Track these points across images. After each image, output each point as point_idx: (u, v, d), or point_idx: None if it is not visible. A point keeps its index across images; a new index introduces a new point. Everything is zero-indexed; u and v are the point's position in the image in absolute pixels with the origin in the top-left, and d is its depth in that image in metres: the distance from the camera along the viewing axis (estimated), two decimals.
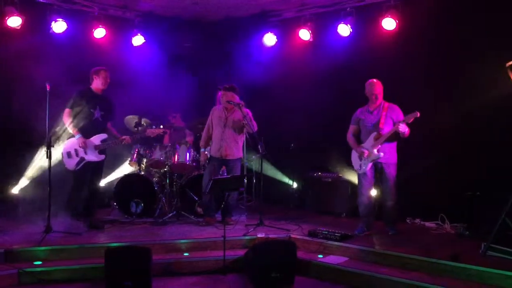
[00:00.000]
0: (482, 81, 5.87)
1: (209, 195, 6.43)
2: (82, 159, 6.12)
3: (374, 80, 5.90)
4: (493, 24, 5.93)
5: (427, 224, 6.49)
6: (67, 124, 6.11)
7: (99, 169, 6.41)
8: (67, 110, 6.12)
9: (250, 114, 6.45)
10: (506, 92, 5.02)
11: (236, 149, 6.53)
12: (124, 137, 6.38)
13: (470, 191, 5.93)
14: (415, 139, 5.96)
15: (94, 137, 6.19)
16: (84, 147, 6.08)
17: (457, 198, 6.10)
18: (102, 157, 6.27)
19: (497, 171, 5.78)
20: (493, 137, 5.93)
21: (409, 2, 6.60)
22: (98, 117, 6.24)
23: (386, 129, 5.76)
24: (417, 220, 6.65)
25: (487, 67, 5.68)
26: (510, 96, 5.04)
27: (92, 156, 6.17)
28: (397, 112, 5.82)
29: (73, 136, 6.16)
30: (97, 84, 6.25)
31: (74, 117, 6.10)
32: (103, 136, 6.26)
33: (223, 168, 6.67)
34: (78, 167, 6.13)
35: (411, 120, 5.55)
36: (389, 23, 6.70)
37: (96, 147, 6.18)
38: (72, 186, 6.22)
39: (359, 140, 6.05)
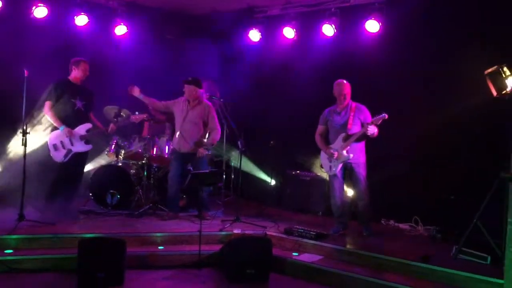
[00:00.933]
0: (460, 86, 5.97)
1: (174, 190, 6.41)
2: (70, 150, 6.04)
3: (343, 80, 5.92)
4: (479, 28, 6.02)
5: (401, 225, 6.58)
6: (50, 117, 6.01)
7: (84, 159, 6.37)
8: (47, 103, 6.00)
9: (216, 119, 6.50)
10: (483, 98, 5.10)
11: (188, 143, 6.42)
12: (110, 125, 6.33)
13: (444, 194, 6.03)
14: (390, 141, 6.04)
15: (78, 127, 6.10)
16: (71, 136, 6.00)
17: (431, 201, 6.21)
18: (89, 147, 6.22)
19: (471, 175, 5.88)
20: (469, 141, 6.02)
21: (393, 4, 6.65)
22: (80, 107, 6.15)
23: (354, 130, 5.79)
24: (391, 222, 6.73)
25: (467, 73, 5.77)
26: (487, 102, 5.12)
27: (79, 147, 6.10)
28: (365, 113, 5.85)
29: (56, 128, 6.04)
30: (75, 75, 6.15)
31: (56, 109, 5.99)
32: (88, 125, 6.19)
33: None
34: (66, 159, 6.05)
35: (380, 122, 5.60)
36: (372, 25, 6.75)
37: (82, 137, 6.10)
38: (56, 177, 6.08)
39: (327, 141, 6.07)
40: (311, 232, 5.74)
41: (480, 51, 5.74)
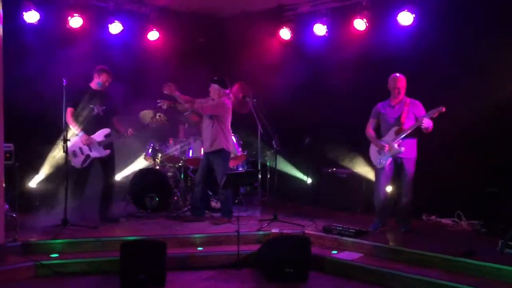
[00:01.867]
0: (502, 73, 5.77)
1: (199, 194, 6.40)
2: (88, 156, 6.10)
3: (398, 74, 5.84)
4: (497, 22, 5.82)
5: (443, 220, 6.43)
6: (70, 123, 6.08)
7: (109, 164, 6.34)
8: (69, 110, 6.07)
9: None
10: None
11: (208, 141, 6.33)
12: (128, 130, 6.29)
13: (488, 187, 5.85)
14: (431, 135, 5.89)
15: (97, 133, 6.15)
16: (88, 143, 6.07)
17: (474, 194, 6.04)
18: (107, 152, 6.19)
19: None
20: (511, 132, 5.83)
21: None
22: (99, 112, 6.18)
23: (408, 124, 5.70)
24: (433, 217, 6.58)
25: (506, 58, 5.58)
26: None
27: (97, 152, 6.13)
28: (419, 108, 5.75)
29: (77, 134, 6.12)
30: (96, 83, 6.21)
31: (76, 115, 6.07)
32: (106, 131, 6.22)
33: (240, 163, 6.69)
34: (85, 165, 6.12)
35: (436, 115, 5.47)
36: (405, 17, 6.60)
37: (100, 143, 6.14)
38: (73, 182, 6.10)
39: (378, 134, 5.99)
40: (350, 230, 5.68)
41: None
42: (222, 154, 6.31)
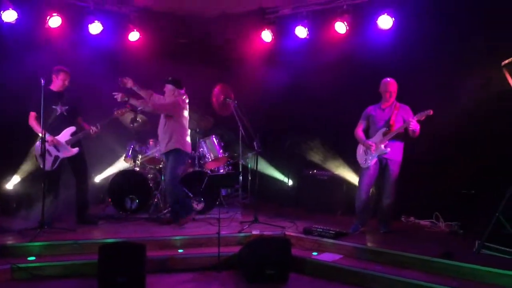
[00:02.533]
0: (479, 78, 5.88)
1: (180, 198, 6.31)
2: (57, 157, 6.01)
3: (389, 78, 5.92)
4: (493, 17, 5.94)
5: (422, 222, 6.51)
6: (33, 127, 5.99)
7: (80, 162, 6.24)
8: (31, 114, 5.99)
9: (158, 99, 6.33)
10: (501, 90, 5.01)
11: (163, 141, 6.28)
12: (92, 126, 6.17)
13: (465, 189, 5.95)
14: (410, 137, 5.96)
15: (62, 132, 6.05)
16: (55, 144, 5.98)
17: (451, 196, 6.12)
18: (75, 150, 6.10)
19: (491, 169, 5.79)
20: (488, 135, 5.94)
21: (403, 0, 6.58)
22: (63, 111, 6.08)
23: (397, 126, 5.79)
24: (412, 218, 6.66)
25: (485, 64, 5.69)
26: (506, 95, 5.03)
27: (65, 152, 6.05)
28: (408, 112, 5.85)
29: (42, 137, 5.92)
30: (55, 85, 6.11)
31: (39, 118, 5.85)
32: (72, 129, 6.11)
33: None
34: (55, 166, 6.02)
35: (423, 117, 5.56)
36: (385, 21, 6.69)
37: (67, 142, 6.06)
38: (46, 186, 5.87)
39: (367, 136, 6.05)
40: (330, 231, 5.71)
41: (496, 42, 5.64)
42: (176, 153, 6.23)
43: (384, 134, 5.82)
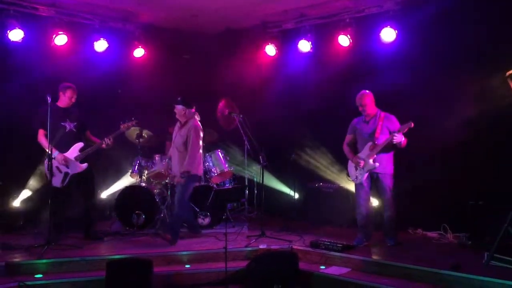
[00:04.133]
0: (486, 89, 5.87)
1: (185, 214, 6.29)
2: (67, 174, 6.02)
3: (364, 91, 5.90)
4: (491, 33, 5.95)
5: (429, 234, 6.46)
6: (42, 144, 6.00)
7: (88, 179, 6.25)
8: (40, 131, 6.02)
9: (193, 131, 6.07)
10: (507, 101, 5.01)
11: (175, 166, 6.22)
12: (105, 139, 6.16)
13: (473, 200, 5.90)
14: (417, 148, 5.95)
15: (71, 149, 6.06)
16: (65, 163, 5.99)
17: (459, 207, 6.08)
18: (84, 166, 6.10)
19: (500, 180, 5.77)
20: (496, 146, 5.92)
21: (408, 12, 6.62)
22: (71, 128, 6.11)
23: (382, 139, 5.76)
24: (419, 230, 6.62)
25: (487, 76, 5.69)
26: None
27: (75, 168, 6.05)
28: (394, 122, 5.81)
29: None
30: (62, 102, 6.13)
31: (47, 135, 5.87)
32: (80, 145, 6.11)
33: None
34: (65, 183, 6.03)
35: (406, 130, 5.55)
36: (388, 34, 6.72)
37: (76, 158, 6.05)
38: (55, 201, 5.90)
39: (355, 150, 6.04)
40: (338, 245, 5.68)
41: (499, 53, 5.65)
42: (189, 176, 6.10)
43: (371, 149, 5.78)
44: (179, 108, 6.21)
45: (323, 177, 7.67)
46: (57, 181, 6.00)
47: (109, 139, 6.17)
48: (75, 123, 6.16)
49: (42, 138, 6.04)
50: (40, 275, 5.07)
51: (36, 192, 6.92)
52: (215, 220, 6.93)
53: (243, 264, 5.43)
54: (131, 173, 7.30)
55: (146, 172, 7.17)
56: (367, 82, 6.40)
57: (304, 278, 5.20)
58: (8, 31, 6.63)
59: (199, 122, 6.23)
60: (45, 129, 5.89)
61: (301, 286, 5.07)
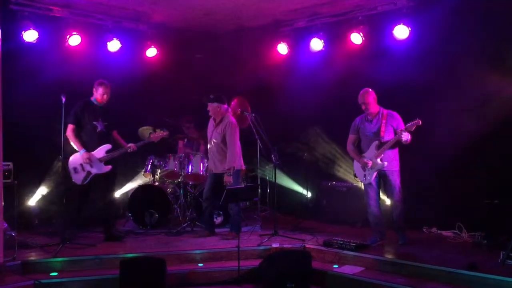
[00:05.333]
0: (501, 86, 5.81)
1: (210, 209, 6.39)
2: (89, 173, 6.01)
3: (367, 89, 5.86)
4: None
5: (444, 233, 6.40)
6: (71, 139, 6.01)
7: (110, 180, 6.27)
8: (70, 126, 6.01)
9: (230, 128, 6.23)
10: None
11: (215, 163, 6.36)
12: (129, 145, 6.20)
13: (488, 199, 5.84)
14: (431, 146, 5.89)
15: (98, 149, 6.05)
16: (89, 161, 5.97)
17: (474, 206, 6.02)
18: (108, 168, 6.08)
19: None
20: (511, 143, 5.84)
21: (420, 10, 6.56)
22: (102, 128, 6.11)
23: (387, 137, 5.71)
24: (434, 229, 6.56)
25: (506, 72, 5.62)
26: None
27: (98, 169, 6.03)
28: (397, 120, 5.77)
29: (77, 151, 6.03)
30: (95, 97, 6.15)
31: (78, 132, 6.00)
32: (107, 147, 6.10)
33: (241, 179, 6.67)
34: (86, 181, 6.04)
35: (413, 128, 5.50)
36: (401, 31, 6.66)
37: (101, 159, 6.04)
38: (76, 199, 6.11)
39: (359, 150, 6.00)
40: (351, 244, 5.65)
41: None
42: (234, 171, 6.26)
43: (378, 148, 5.73)
44: (214, 106, 6.27)
45: (336, 176, 7.64)
46: (78, 179, 6.03)
47: (135, 145, 6.17)
48: (106, 123, 6.14)
49: (70, 133, 6.03)
50: (55, 273, 5.12)
51: (50, 191, 6.98)
52: (227, 219, 6.94)
53: (256, 263, 5.43)
54: (144, 172, 7.33)
55: (159, 171, 7.20)
56: (380, 80, 6.36)
57: (318, 277, 5.19)
58: (23, 32, 6.69)
59: (233, 118, 6.33)
60: (75, 124, 5.99)
61: (314, 285, 5.05)
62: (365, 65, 7.17)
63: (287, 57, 8.02)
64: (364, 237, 6.01)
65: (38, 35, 6.78)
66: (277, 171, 6.62)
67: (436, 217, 6.56)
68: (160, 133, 6.35)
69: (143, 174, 7.39)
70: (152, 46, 7.94)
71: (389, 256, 5.44)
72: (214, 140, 6.33)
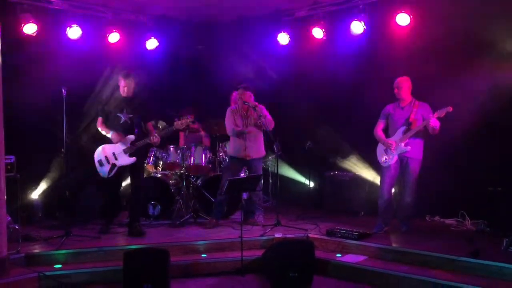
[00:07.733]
0: (505, 76, 5.76)
1: (223, 198, 6.42)
2: (114, 165, 5.95)
3: (402, 77, 5.87)
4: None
5: (447, 221, 6.41)
6: (102, 130, 6.02)
7: (136, 172, 6.15)
8: (99, 119, 6.05)
9: (265, 110, 6.43)
10: None
11: (258, 148, 6.50)
12: (153, 134, 6.00)
13: (491, 186, 5.83)
14: (434, 135, 5.86)
15: (122, 141, 5.96)
16: (120, 140, 5.89)
17: (477, 194, 6.01)
18: (133, 159, 5.97)
19: None
20: None
21: None
22: (126, 119, 6.02)
23: (417, 124, 5.73)
24: (437, 217, 6.57)
25: (504, 61, 5.57)
26: None
27: (123, 161, 5.96)
28: (428, 110, 5.77)
29: (103, 143, 6.01)
30: (121, 91, 6.10)
31: (105, 123, 6.01)
32: (131, 138, 5.99)
33: (244, 168, 6.68)
34: (112, 174, 5.98)
35: (443, 114, 5.48)
36: (403, 18, 6.62)
37: (125, 151, 5.95)
38: (103, 193, 6.22)
39: (386, 135, 5.99)
40: (354, 233, 5.66)
41: None
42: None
43: (404, 133, 5.76)
44: (249, 94, 6.40)
45: (338, 166, 7.63)
46: (104, 171, 5.99)
47: (156, 137, 5.99)
48: (131, 115, 6.04)
49: (99, 125, 6.06)
50: (59, 266, 5.14)
51: (53, 184, 6.99)
52: (230, 210, 6.95)
53: (259, 253, 5.46)
54: (146, 164, 7.33)
55: (161, 163, 7.20)
56: (382, 69, 6.33)
57: (321, 266, 5.20)
58: (22, 25, 6.66)
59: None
60: (103, 117, 6.02)
61: (317, 274, 5.06)
62: (367, 53, 7.13)
63: (288, 46, 7.97)
64: (367, 226, 6.01)
65: (38, 28, 6.76)
66: (280, 162, 6.61)
67: (439, 205, 6.55)
68: (185, 120, 6.16)
69: (146, 166, 7.39)
70: (152, 37, 7.90)
71: (392, 245, 5.44)
72: (253, 127, 6.42)
